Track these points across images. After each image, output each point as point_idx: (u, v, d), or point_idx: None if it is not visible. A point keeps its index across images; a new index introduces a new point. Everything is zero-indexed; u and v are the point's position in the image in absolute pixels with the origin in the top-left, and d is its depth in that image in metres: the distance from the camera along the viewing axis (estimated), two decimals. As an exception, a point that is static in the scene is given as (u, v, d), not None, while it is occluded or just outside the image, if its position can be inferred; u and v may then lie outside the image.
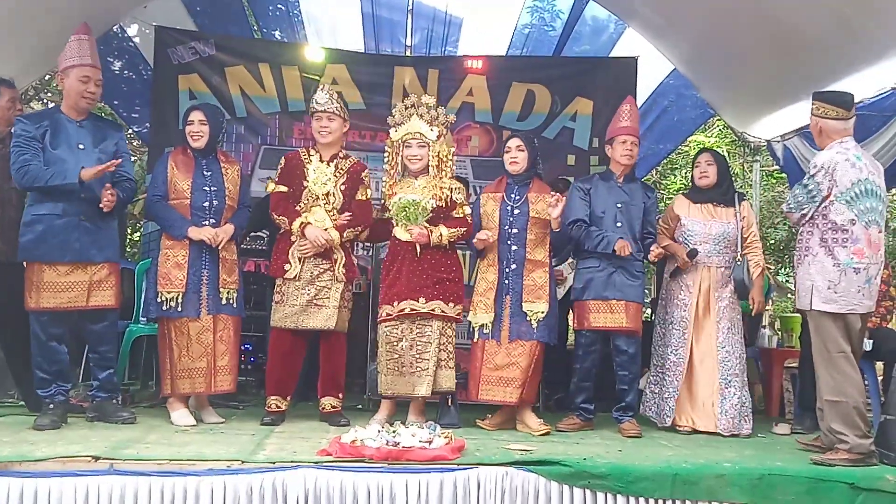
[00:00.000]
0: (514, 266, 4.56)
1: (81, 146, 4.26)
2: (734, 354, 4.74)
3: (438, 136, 4.56)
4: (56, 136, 4.22)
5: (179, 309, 4.35)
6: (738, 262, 4.76)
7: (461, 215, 4.61)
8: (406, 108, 4.63)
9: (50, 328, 4.19)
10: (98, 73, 4.38)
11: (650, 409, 4.89)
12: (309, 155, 4.64)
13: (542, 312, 4.52)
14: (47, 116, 4.32)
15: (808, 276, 3.95)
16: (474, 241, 4.62)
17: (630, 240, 4.64)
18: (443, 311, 4.49)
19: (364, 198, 4.67)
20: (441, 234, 4.50)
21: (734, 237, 4.79)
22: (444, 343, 4.52)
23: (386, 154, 4.73)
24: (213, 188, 4.47)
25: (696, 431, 4.65)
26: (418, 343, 4.49)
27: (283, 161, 4.70)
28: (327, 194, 4.54)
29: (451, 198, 4.57)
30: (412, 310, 4.47)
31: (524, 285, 4.54)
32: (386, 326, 4.54)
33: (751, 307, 4.84)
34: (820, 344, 3.94)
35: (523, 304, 4.53)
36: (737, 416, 4.64)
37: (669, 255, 4.83)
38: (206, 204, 4.44)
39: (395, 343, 4.50)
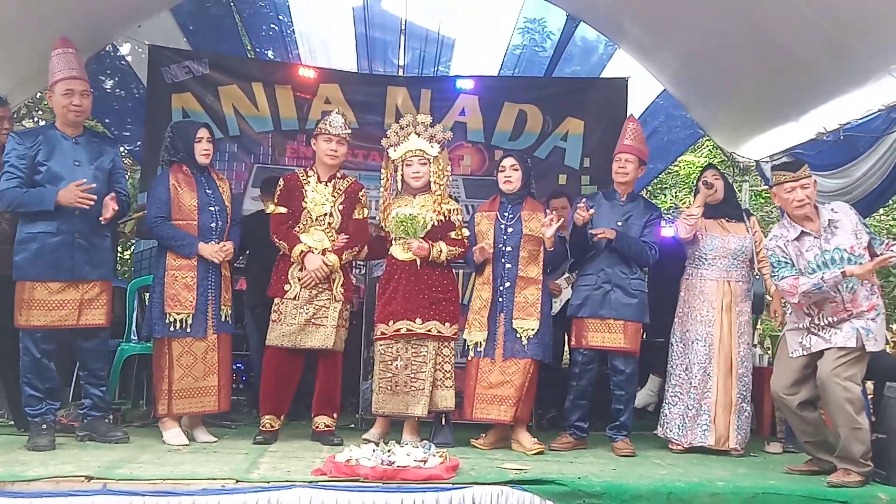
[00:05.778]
0: (507, 284, 4.56)
1: (77, 163, 4.23)
2: (749, 370, 4.78)
3: (439, 153, 4.60)
4: (51, 153, 4.19)
5: (188, 329, 4.33)
6: (757, 277, 4.82)
7: (459, 237, 4.62)
8: (402, 128, 4.66)
9: (42, 345, 4.16)
10: (83, 85, 4.29)
11: (672, 431, 4.70)
12: (307, 176, 4.65)
13: (533, 329, 4.49)
14: (41, 133, 4.28)
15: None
16: (474, 251, 4.59)
17: (627, 258, 4.67)
18: (439, 332, 4.49)
19: (361, 217, 4.68)
20: (441, 250, 4.50)
21: (750, 252, 4.80)
22: (440, 363, 4.52)
23: (382, 173, 4.75)
24: (216, 207, 4.46)
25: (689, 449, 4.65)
26: (413, 363, 4.48)
27: (281, 182, 4.70)
28: (326, 215, 4.56)
29: (450, 218, 4.59)
30: (408, 330, 4.47)
31: (515, 302, 4.54)
32: (381, 345, 4.53)
33: (773, 320, 4.88)
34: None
35: (513, 321, 4.52)
36: (746, 432, 4.70)
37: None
38: (213, 224, 4.42)
39: (390, 362, 4.50)
